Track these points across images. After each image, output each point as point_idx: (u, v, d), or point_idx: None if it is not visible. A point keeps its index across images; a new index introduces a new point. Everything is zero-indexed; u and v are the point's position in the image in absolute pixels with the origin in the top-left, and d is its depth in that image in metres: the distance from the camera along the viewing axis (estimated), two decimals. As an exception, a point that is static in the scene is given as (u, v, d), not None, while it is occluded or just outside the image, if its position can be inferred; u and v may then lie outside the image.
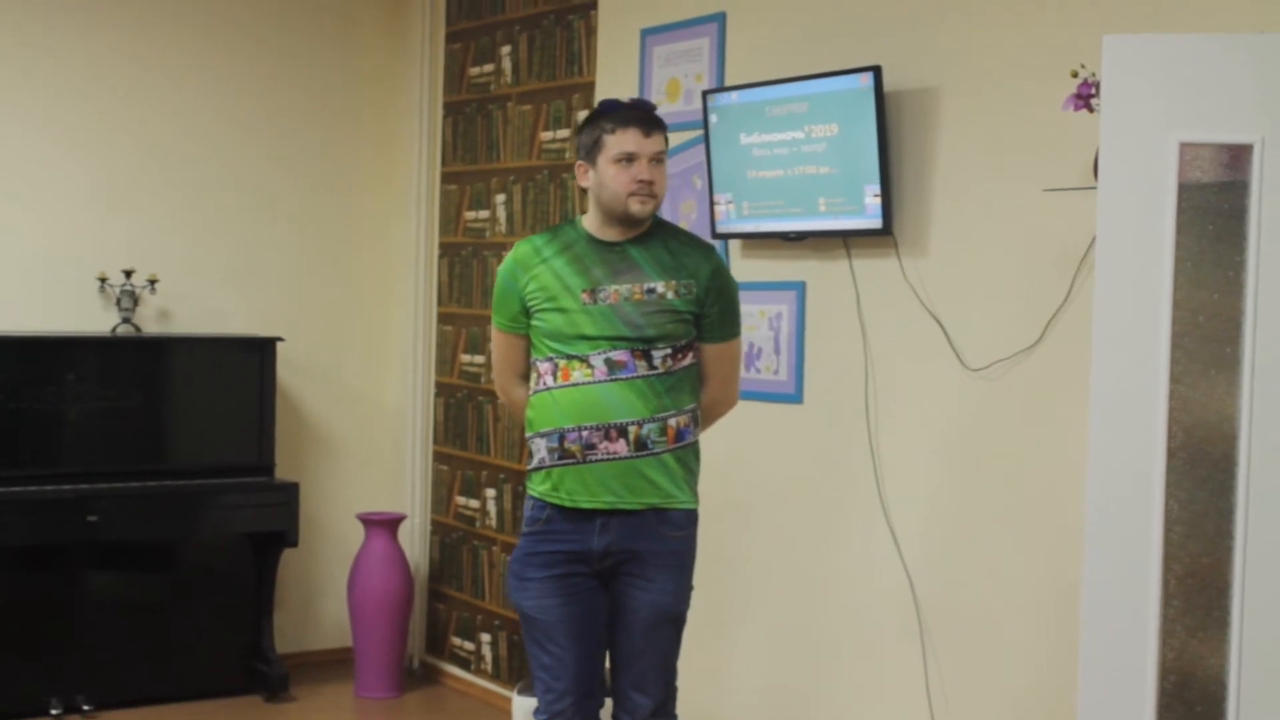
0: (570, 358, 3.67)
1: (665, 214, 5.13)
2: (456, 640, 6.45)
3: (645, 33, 5.36)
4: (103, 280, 6.09)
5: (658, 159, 3.69)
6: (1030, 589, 4.06)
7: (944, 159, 4.30)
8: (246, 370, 6.20)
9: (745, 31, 4.96)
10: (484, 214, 6.30)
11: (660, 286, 3.70)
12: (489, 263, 6.25)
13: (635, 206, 3.68)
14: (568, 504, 3.70)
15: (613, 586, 3.76)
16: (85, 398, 5.88)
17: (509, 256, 3.83)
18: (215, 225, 6.43)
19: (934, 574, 4.34)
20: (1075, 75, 3.67)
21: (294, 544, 6.15)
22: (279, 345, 6.25)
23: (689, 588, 3.81)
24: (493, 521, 6.22)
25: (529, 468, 3.80)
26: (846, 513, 4.58)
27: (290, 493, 6.11)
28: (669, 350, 3.70)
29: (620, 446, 3.65)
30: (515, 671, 6.00)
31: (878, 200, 4.33)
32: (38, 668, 5.76)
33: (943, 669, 4.29)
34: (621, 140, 3.66)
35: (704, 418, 3.88)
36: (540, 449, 3.73)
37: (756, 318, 4.74)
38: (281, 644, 6.37)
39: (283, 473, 6.33)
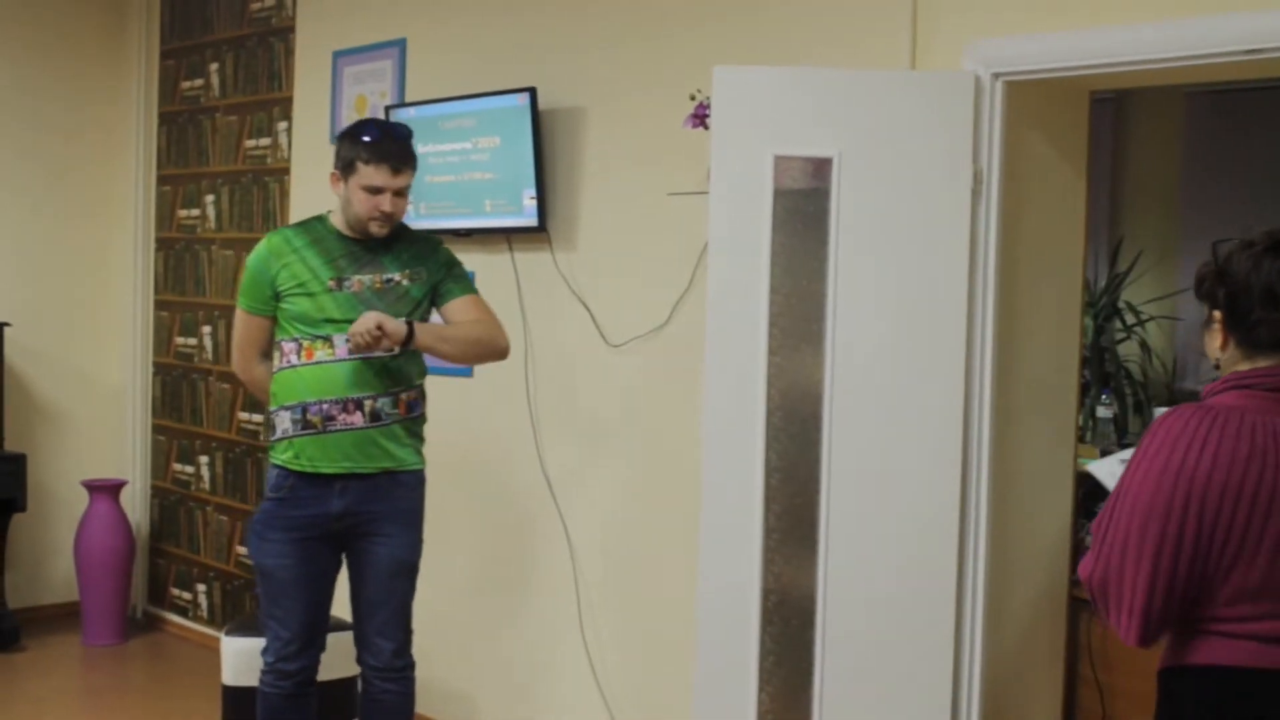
0: (315, 338, 3.53)
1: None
2: (175, 591, 6.19)
3: (337, 54, 5.22)
4: None
5: (402, 192, 3.54)
6: (661, 528, 4.11)
7: (589, 167, 4.31)
8: (-24, 352, 5.81)
9: (422, 55, 4.88)
10: (195, 212, 6.04)
11: (398, 276, 3.59)
12: (199, 255, 6.00)
13: (374, 228, 3.55)
14: (309, 470, 3.55)
15: (352, 545, 3.64)
16: None
17: (261, 246, 3.63)
18: (-57, 221, 6.00)
19: (586, 522, 4.36)
20: (693, 99, 3.72)
21: (23, 509, 5.79)
22: (6, 330, 5.87)
23: (420, 541, 3.70)
24: (206, 485, 5.98)
25: (273, 439, 3.63)
26: (512, 469, 4.56)
27: (18, 463, 5.75)
28: None
29: (357, 418, 3.53)
30: (227, 616, 5.79)
31: (534, 202, 4.32)
32: None
33: (594, 599, 4.31)
34: (372, 174, 3.48)
35: (470, 328, 3.64)
36: (284, 421, 3.58)
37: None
38: (14, 600, 6.00)
39: (11, 445, 5.96)
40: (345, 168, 3.55)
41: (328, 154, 5.16)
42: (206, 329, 5.98)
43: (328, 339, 3.54)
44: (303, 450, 3.56)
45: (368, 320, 3.41)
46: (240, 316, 3.71)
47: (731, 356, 3.41)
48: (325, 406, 3.53)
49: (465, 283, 3.73)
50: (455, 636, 4.70)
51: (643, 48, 4.15)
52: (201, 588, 6.02)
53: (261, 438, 5.63)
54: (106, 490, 6.02)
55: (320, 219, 3.68)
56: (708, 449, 3.44)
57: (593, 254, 4.31)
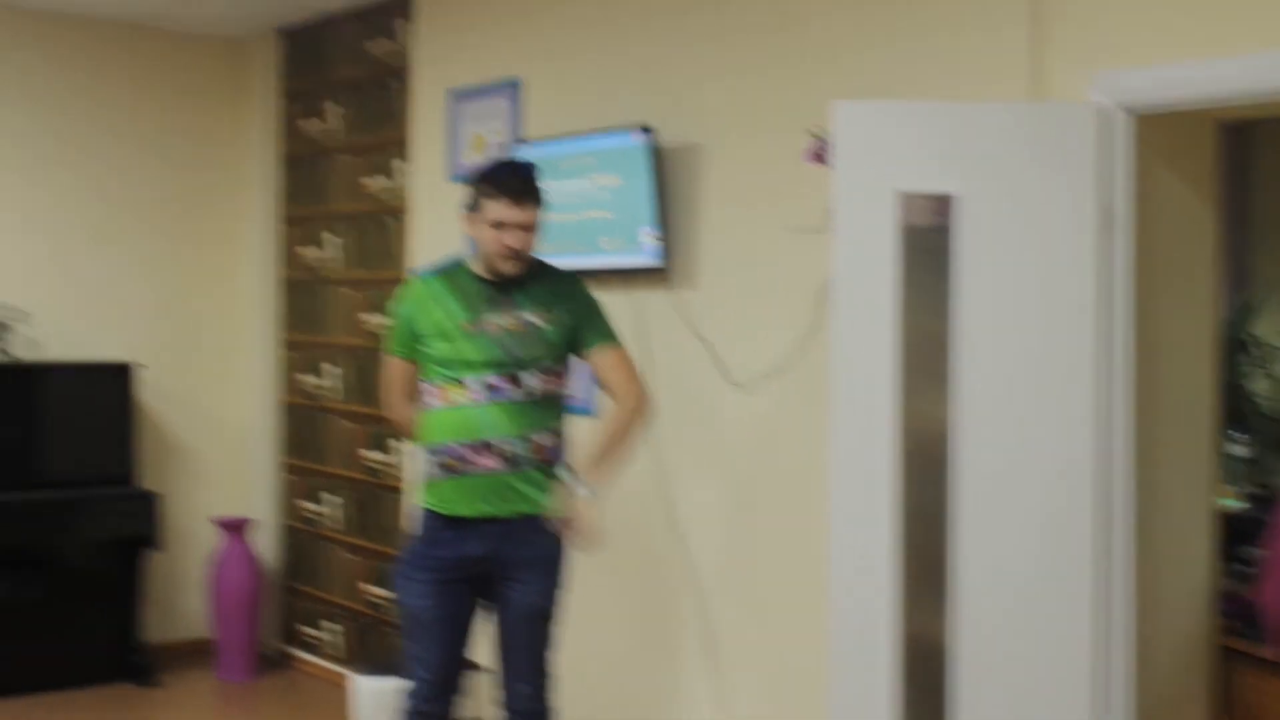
0: (452, 381, 3.62)
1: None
2: (305, 628, 6.36)
3: (452, 93, 5.35)
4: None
5: (527, 226, 3.59)
6: (790, 571, 4.12)
7: (708, 205, 4.35)
8: (111, 393, 6.05)
9: (539, 94, 4.97)
10: (318, 251, 6.22)
11: (535, 318, 3.65)
12: (323, 294, 6.18)
13: (502, 265, 3.61)
14: (448, 513, 3.64)
15: (492, 589, 3.70)
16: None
17: (405, 291, 3.79)
18: (81, 266, 6.26)
19: (714, 564, 4.38)
20: (813, 134, 3.73)
21: (158, 547, 6.02)
22: (142, 372, 6.13)
23: (558, 587, 3.73)
24: (334, 523, 6.15)
25: (421, 481, 3.75)
26: (639, 510, 4.60)
27: (152, 501, 5.97)
28: (538, 375, 3.64)
29: (492, 462, 3.60)
30: (356, 654, 5.94)
31: (651, 240, 4.37)
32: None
33: (723, 643, 4.34)
34: (495, 209, 3.56)
35: (621, 425, 3.71)
36: (428, 463, 3.69)
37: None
38: (150, 635, 6.23)
39: (146, 484, 6.18)
40: (472, 206, 3.64)
41: (445, 193, 5.34)
42: (331, 367, 6.16)
43: (463, 381, 3.62)
44: (442, 493, 3.66)
45: (584, 532, 3.63)
46: (387, 360, 3.85)
47: (858, 396, 3.42)
48: (461, 449, 3.61)
49: (606, 330, 3.75)
50: (589, 679, 4.77)
51: (759, 83, 4.18)
52: (331, 625, 6.19)
53: (387, 476, 5.78)
54: (237, 528, 6.22)
55: (458, 261, 3.77)
56: (836, 490, 3.45)
57: (713, 292, 4.35)
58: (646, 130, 4.33)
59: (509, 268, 3.62)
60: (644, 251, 4.40)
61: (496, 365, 3.60)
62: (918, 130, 3.41)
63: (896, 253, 3.41)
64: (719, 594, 4.36)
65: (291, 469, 6.46)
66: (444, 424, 3.63)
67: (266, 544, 6.53)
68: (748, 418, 4.25)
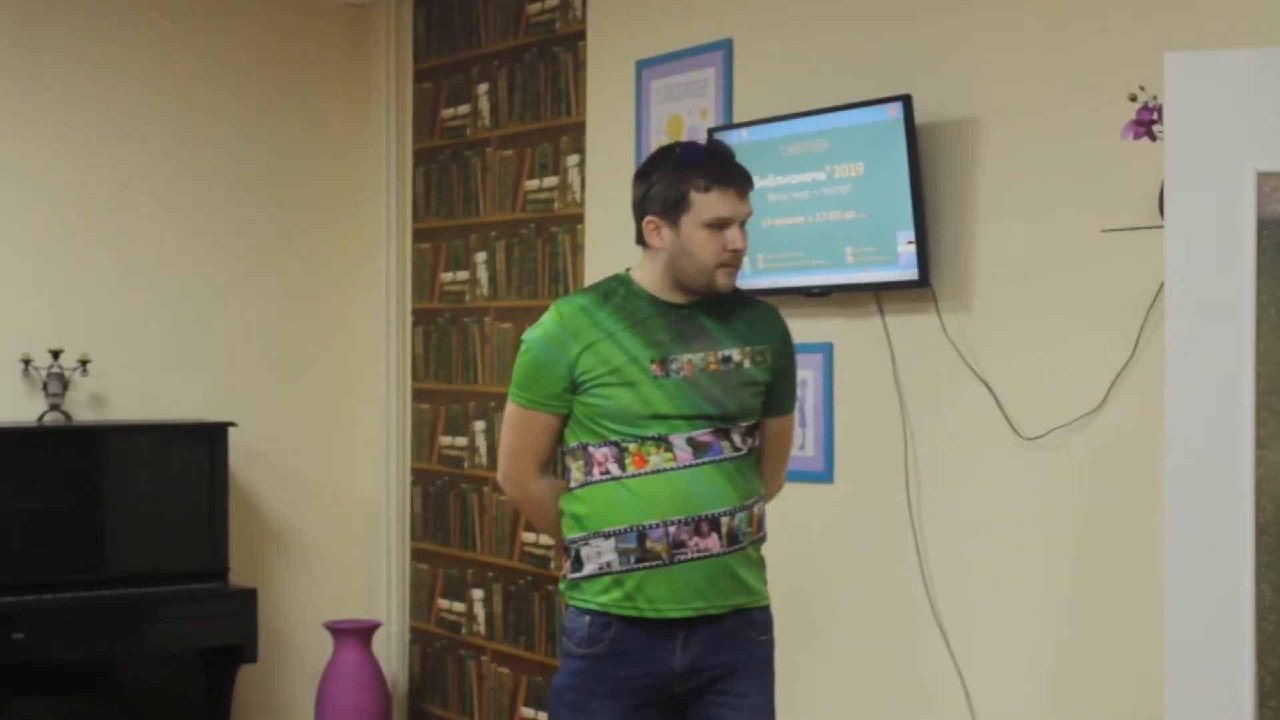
0: (644, 440, 3.53)
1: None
2: (442, 765, 6.42)
3: (641, 65, 5.40)
4: (26, 362, 6.08)
5: (744, 223, 3.57)
6: (1103, 692, 4.04)
7: (986, 199, 4.31)
8: (194, 461, 6.18)
9: (755, 60, 4.99)
10: (463, 275, 6.31)
11: (736, 354, 3.60)
12: (469, 330, 6.25)
13: (722, 280, 3.55)
14: (650, 615, 3.54)
15: (693, 710, 3.63)
16: (8, 497, 5.85)
17: (548, 320, 3.63)
18: (154, 297, 6.43)
19: (991, 680, 4.32)
20: (1134, 99, 3.68)
21: (253, 659, 6.11)
22: (231, 431, 6.22)
23: (773, 698, 3.70)
24: (481, 627, 6.19)
25: (573, 575, 3.62)
26: (889, 608, 4.55)
27: (247, 600, 6.08)
28: (746, 427, 3.61)
29: (713, 542, 3.52)
30: (510, 800, 5.97)
31: (912, 248, 4.34)
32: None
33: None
34: (717, 203, 3.51)
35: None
36: (604, 552, 3.55)
37: (777, 385, 4.74)
38: (243, 774, 6.36)
39: (238, 578, 6.30)
40: (672, 207, 3.56)
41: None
42: (479, 425, 6.22)
43: (662, 440, 3.54)
44: (640, 589, 3.53)
45: None
46: (516, 415, 3.71)
47: (1201, 451, 3.32)
48: (673, 530, 3.51)
49: (794, 391, 3.79)
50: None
51: (1057, 34, 4.13)
52: (476, 762, 6.23)
53: (553, 565, 5.80)
54: (355, 634, 6.30)
55: (621, 280, 3.70)
56: (1172, 577, 3.34)
57: (994, 315, 4.31)
58: (904, 101, 4.30)
59: (729, 282, 3.58)
60: (902, 263, 4.35)
61: (700, 419, 3.55)
62: (1287, 87, 3.31)
63: (1253, 254, 3.30)
64: (998, 716, 4.27)
65: (427, 557, 6.54)
66: (640, 497, 3.54)
67: (393, 655, 6.61)
68: (1042, 484, 4.17)
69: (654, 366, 3.55)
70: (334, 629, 6.34)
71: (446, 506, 6.40)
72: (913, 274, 4.36)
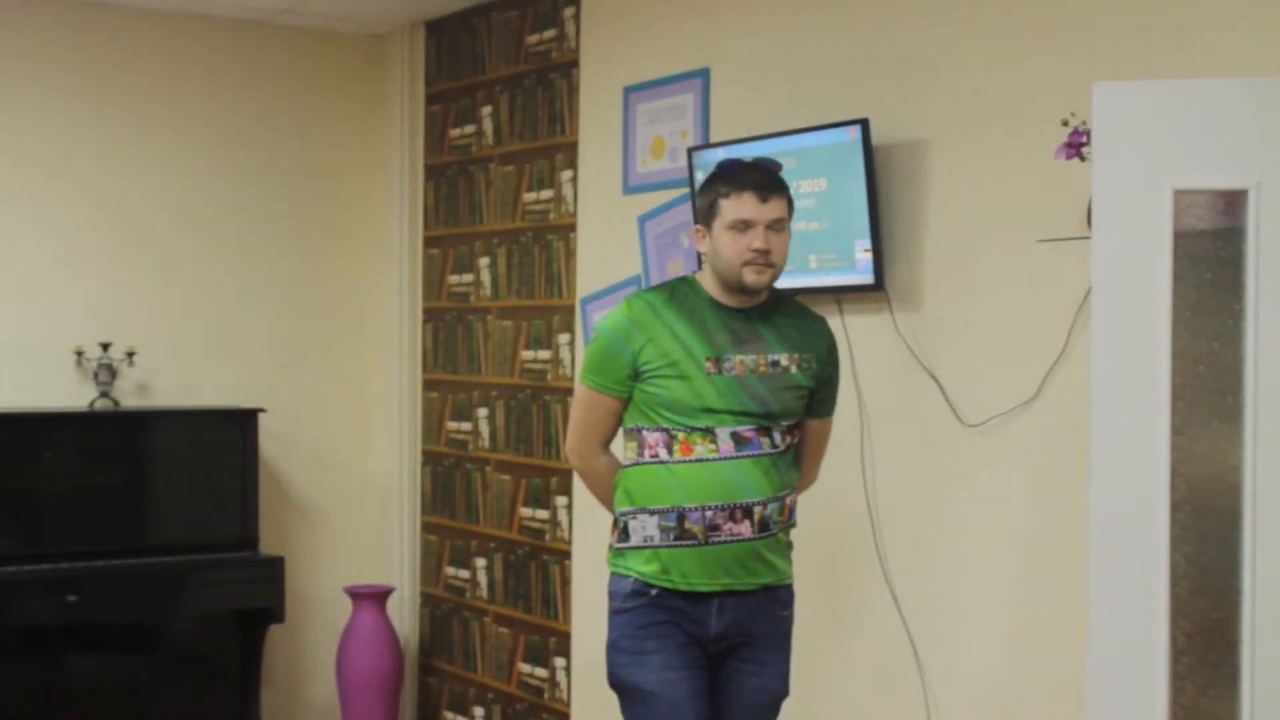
0: (692, 430, 3.51)
1: (652, 275, 5.17)
2: (449, 715, 6.41)
3: (628, 90, 5.40)
4: (79, 354, 6.08)
5: (777, 226, 3.51)
6: (1038, 651, 4.04)
7: (935, 212, 4.31)
8: (228, 443, 6.18)
9: (730, 87, 4.99)
10: (468, 278, 6.31)
11: (784, 359, 3.58)
12: (474, 327, 6.25)
13: (750, 277, 3.51)
14: (683, 588, 3.54)
15: (719, 671, 3.63)
16: (63, 475, 5.86)
17: (619, 312, 3.61)
18: (192, 295, 6.43)
19: (941, 644, 4.32)
20: (1066, 124, 3.67)
21: (280, 620, 6.12)
22: (261, 416, 6.23)
23: (789, 669, 3.73)
24: (484, 592, 6.19)
25: (619, 545, 3.62)
26: (844, 582, 4.56)
27: (276, 567, 6.09)
28: (787, 426, 3.60)
29: (745, 528, 3.52)
30: (510, 746, 5.98)
31: (869, 255, 4.34)
32: (17, 754, 5.72)
33: (949, 733, 4.27)
34: (736, 206, 3.49)
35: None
36: (648, 526, 3.55)
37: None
38: (270, 721, 6.36)
39: (267, 547, 6.30)
40: (706, 214, 3.56)
41: (620, 206, 5.38)
42: (482, 411, 6.22)
43: (708, 431, 3.51)
44: (675, 564, 3.53)
45: None
46: (585, 396, 3.67)
47: (1123, 437, 3.33)
48: (709, 514, 3.50)
49: (834, 397, 3.78)
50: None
51: (999, 65, 4.14)
52: (479, 711, 6.22)
53: (547, 537, 5.81)
54: (372, 598, 6.31)
55: (687, 281, 3.67)
56: (1096, 552, 3.35)
57: (941, 315, 4.31)
58: (863, 124, 4.31)
59: (759, 279, 3.52)
60: (859, 268, 4.36)
61: (745, 415, 3.54)
62: (1201, 113, 3.31)
63: (1170, 263, 3.31)
64: (950, 687, 4.27)
65: (436, 529, 6.54)
66: (683, 482, 3.53)
67: (406, 616, 6.62)
68: (983, 466, 4.18)
69: (708, 364, 3.53)
70: (353, 593, 6.35)
71: (453, 484, 6.41)
72: (869, 278, 4.37)
